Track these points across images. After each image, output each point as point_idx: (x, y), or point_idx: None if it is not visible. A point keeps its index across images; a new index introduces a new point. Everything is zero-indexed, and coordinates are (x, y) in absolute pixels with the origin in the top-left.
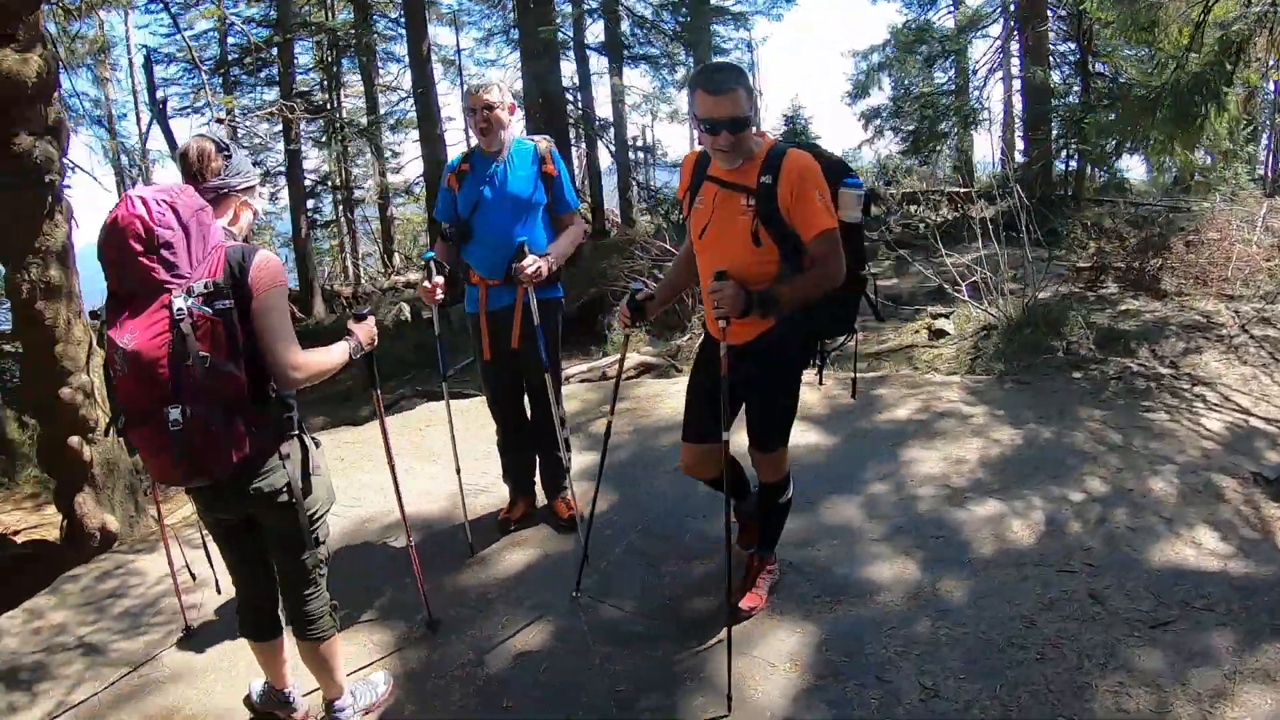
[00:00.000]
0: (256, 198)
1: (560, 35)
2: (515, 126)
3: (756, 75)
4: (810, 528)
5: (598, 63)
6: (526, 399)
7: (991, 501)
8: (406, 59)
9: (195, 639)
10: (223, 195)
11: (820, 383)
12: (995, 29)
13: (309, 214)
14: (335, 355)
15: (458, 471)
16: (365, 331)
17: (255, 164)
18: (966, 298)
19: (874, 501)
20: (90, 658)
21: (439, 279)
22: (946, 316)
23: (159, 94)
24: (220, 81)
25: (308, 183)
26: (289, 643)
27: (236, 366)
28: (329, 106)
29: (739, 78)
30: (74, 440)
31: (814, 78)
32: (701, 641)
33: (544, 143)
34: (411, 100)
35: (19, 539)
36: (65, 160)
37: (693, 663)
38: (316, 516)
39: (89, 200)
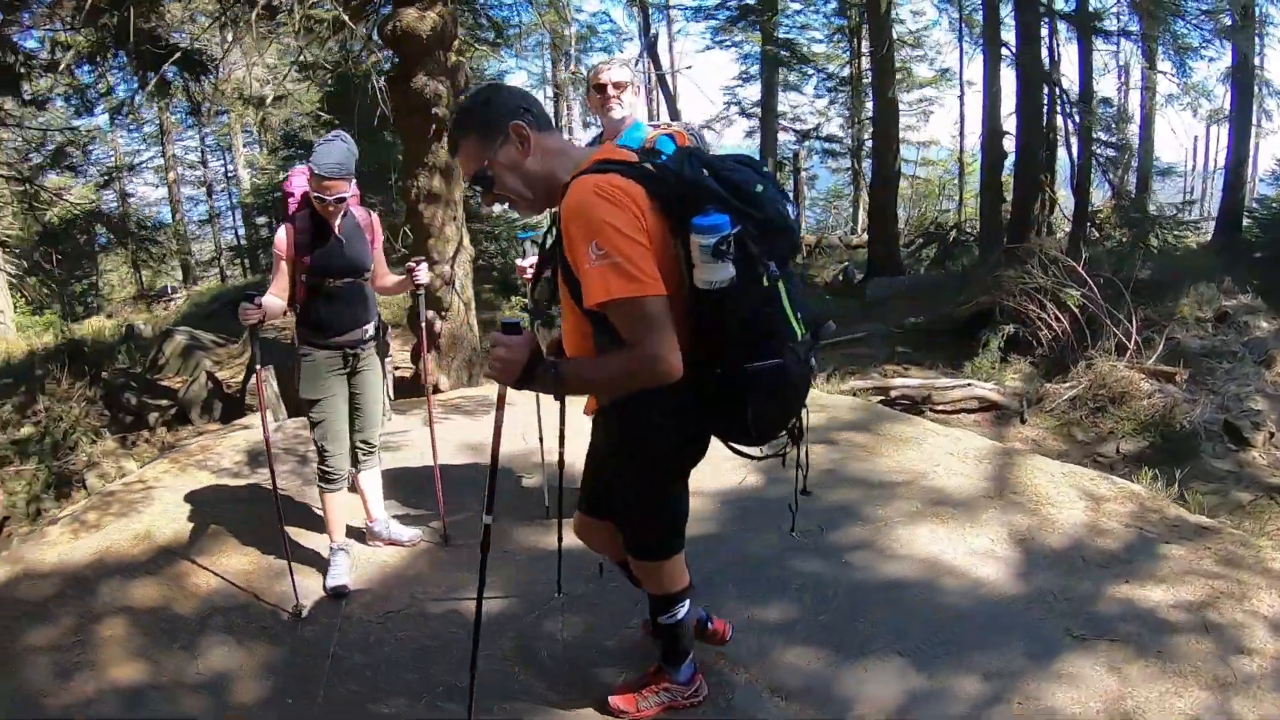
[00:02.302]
0: None
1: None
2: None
3: None
4: (812, 679)
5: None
6: None
7: None
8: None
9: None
10: None
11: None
12: None
13: (776, 155)
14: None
15: (540, 440)
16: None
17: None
18: None
19: (919, 700)
20: (287, 465)
21: (531, 260)
22: None
23: (652, 32)
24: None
25: (792, 133)
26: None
27: None
28: (851, 61)
29: (465, 119)
30: (430, 314)
31: None
32: (564, 704)
33: (653, 130)
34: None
35: None
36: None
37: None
38: (307, 401)
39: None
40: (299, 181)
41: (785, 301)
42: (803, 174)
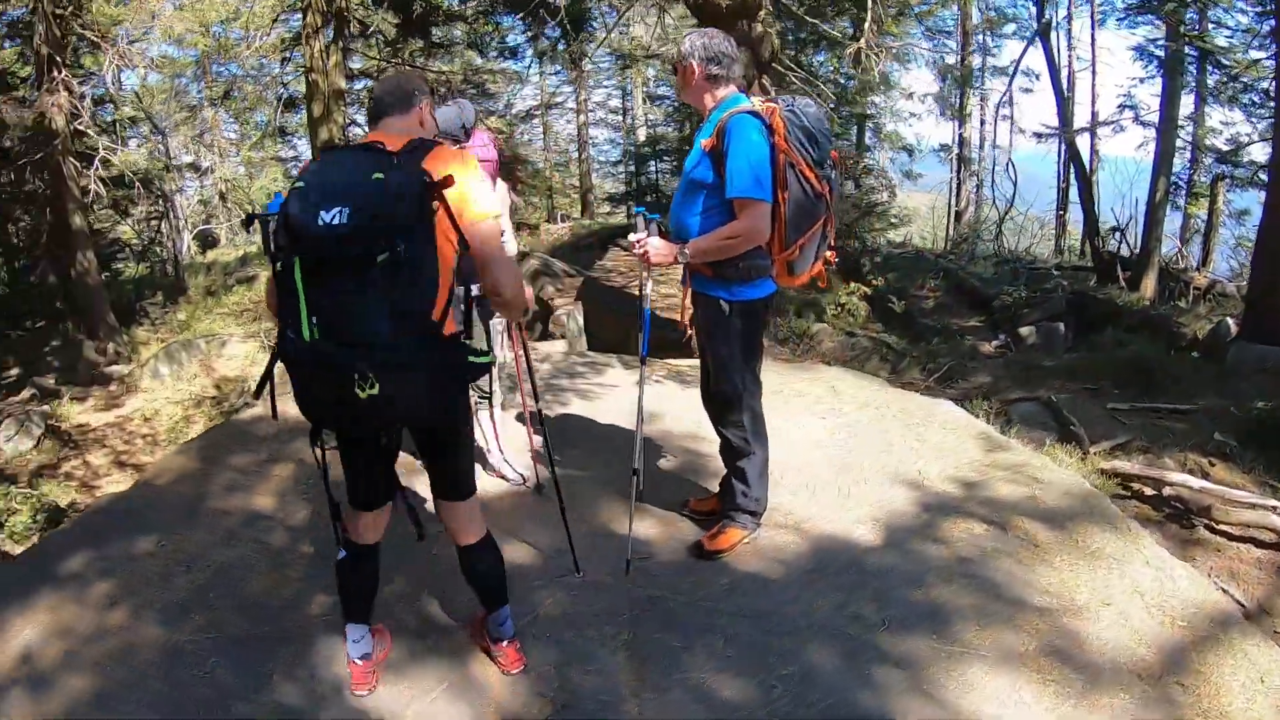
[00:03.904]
0: None
1: None
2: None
3: None
4: None
5: None
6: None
7: None
8: None
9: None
10: None
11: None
12: None
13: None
14: None
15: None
16: None
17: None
18: None
19: None
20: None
21: (641, 235)
22: None
23: (1045, 17)
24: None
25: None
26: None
27: None
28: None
29: None
30: None
31: None
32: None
33: (738, 109)
34: None
35: None
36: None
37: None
38: None
39: None
40: None
41: (299, 296)
42: (1220, 203)
